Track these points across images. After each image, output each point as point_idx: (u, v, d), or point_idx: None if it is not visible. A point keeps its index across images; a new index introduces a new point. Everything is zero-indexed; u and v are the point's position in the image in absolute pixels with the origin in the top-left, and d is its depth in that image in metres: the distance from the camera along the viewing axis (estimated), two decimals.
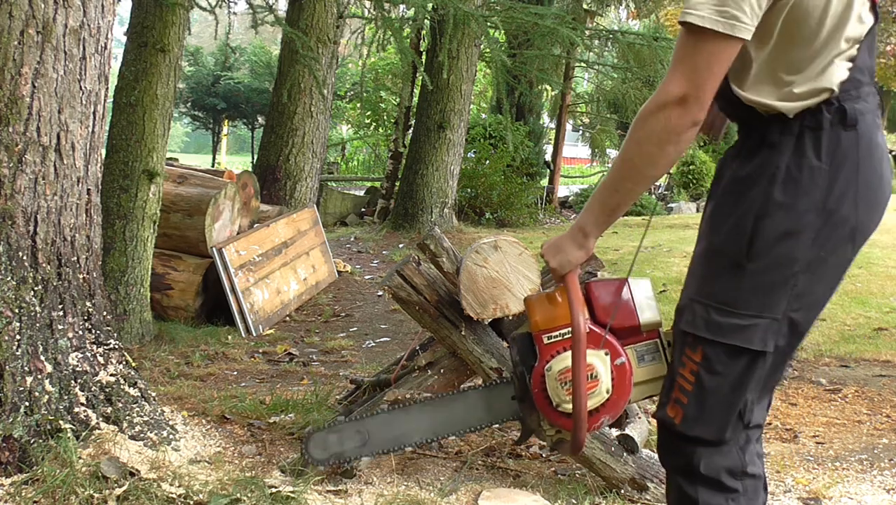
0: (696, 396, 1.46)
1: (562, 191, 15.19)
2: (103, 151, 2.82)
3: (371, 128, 18.00)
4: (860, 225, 1.42)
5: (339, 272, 7.11)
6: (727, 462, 1.47)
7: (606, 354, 1.52)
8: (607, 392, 1.50)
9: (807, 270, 1.40)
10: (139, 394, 2.65)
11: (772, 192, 1.40)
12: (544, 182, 14.37)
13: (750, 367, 1.43)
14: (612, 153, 18.30)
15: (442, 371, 2.68)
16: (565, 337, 1.54)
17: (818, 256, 1.40)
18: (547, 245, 1.58)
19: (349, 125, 22.07)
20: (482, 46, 9.57)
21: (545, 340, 1.56)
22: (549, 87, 13.73)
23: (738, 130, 1.51)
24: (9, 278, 2.36)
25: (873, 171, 1.42)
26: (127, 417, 2.55)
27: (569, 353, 1.49)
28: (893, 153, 1.59)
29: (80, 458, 2.29)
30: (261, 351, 4.88)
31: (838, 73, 1.40)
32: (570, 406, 1.49)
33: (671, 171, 16.43)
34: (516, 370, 1.61)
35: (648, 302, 1.59)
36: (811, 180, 1.38)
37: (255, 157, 13.32)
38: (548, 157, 14.91)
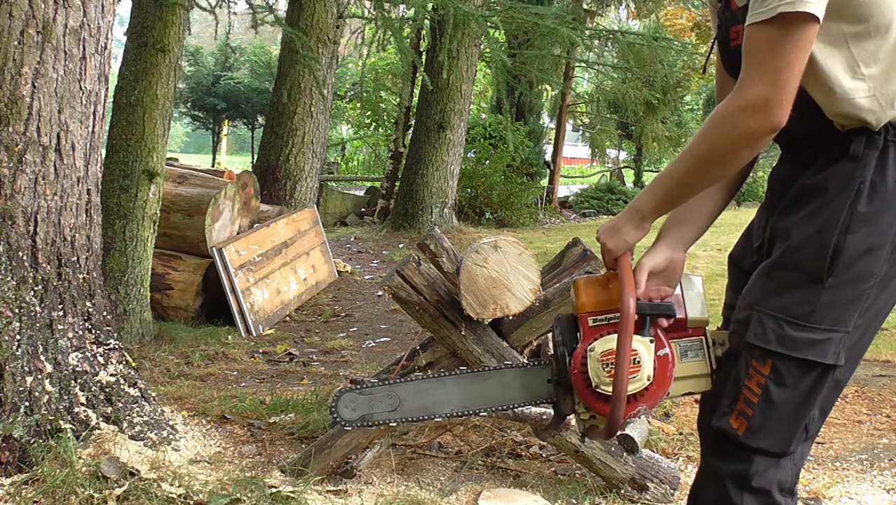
0: (762, 409, 1.44)
1: (562, 191, 15.19)
2: (103, 151, 2.82)
3: (371, 128, 18.00)
4: None
5: (339, 272, 7.10)
6: (780, 476, 1.47)
7: (651, 341, 1.50)
8: (648, 379, 1.48)
9: (879, 284, 1.40)
10: (139, 394, 2.65)
11: (857, 207, 1.37)
12: (544, 182, 14.37)
13: (820, 380, 1.42)
14: (612, 153, 18.30)
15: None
16: (611, 321, 1.52)
17: (891, 270, 1.40)
18: (603, 229, 1.56)
19: (349, 125, 22.07)
20: (482, 46, 9.58)
21: (590, 323, 1.54)
22: (549, 87, 13.73)
23: (802, 146, 1.48)
24: (9, 278, 2.36)
25: None
26: (127, 417, 2.55)
27: (614, 335, 1.48)
28: None
29: (80, 458, 2.29)
30: (261, 351, 4.88)
31: None
32: (609, 388, 1.46)
33: None
34: (557, 350, 1.59)
35: (699, 299, 1.58)
36: (894, 193, 1.37)
37: (255, 157, 13.32)
38: (548, 157, 14.91)
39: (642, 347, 1.49)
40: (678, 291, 1.58)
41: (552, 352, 1.65)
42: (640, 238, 1.53)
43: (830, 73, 1.39)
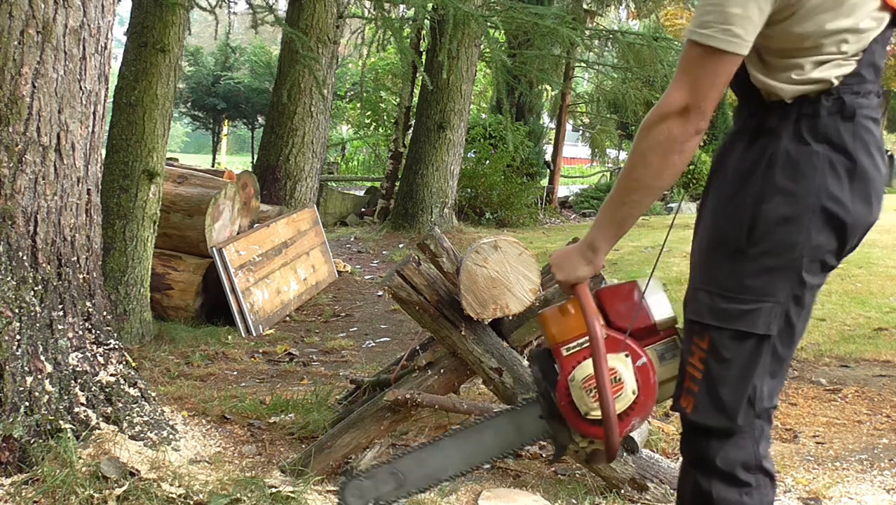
0: (705, 384, 1.47)
1: (562, 191, 15.19)
2: (103, 151, 2.82)
3: (371, 128, 17.99)
4: (856, 214, 1.42)
5: (339, 272, 7.10)
6: (742, 455, 1.48)
7: (627, 356, 1.52)
8: (633, 393, 1.51)
9: (807, 254, 1.42)
10: (139, 394, 2.65)
11: (771, 177, 1.41)
12: (544, 182, 14.37)
13: (756, 351, 1.44)
14: (612, 153, 18.31)
15: (442, 371, 2.68)
16: (583, 346, 1.54)
17: (817, 242, 1.41)
18: (555, 258, 1.59)
19: (349, 125, 22.07)
20: (482, 46, 9.57)
21: (564, 353, 1.56)
22: (549, 87, 13.73)
23: (737, 112, 1.53)
24: (9, 278, 2.36)
25: (871, 166, 1.43)
26: (127, 417, 2.55)
27: (590, 360, 1.50)
28: (890, 153, 1.58)
29: (80, 458, 2.29)
30: (261, 351, 4.88)
31: (841, 66, 1.41)
32: (598, 412, 1.49)
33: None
34: (540, 387, 1.62)
35: (661, 300, 1.60)
36: (810, 164, 1.40)
37: (255, 157, 13.32)
38: (548, 157, 14.91)
39: (619, 363, 1.51)
40: (638, 297, 1.59)
41: (536, 389, 1.66)
42: (593, 273, 1.56)
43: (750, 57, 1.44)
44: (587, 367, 1.51)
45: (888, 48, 1.51)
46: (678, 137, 1.39)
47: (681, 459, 1.60)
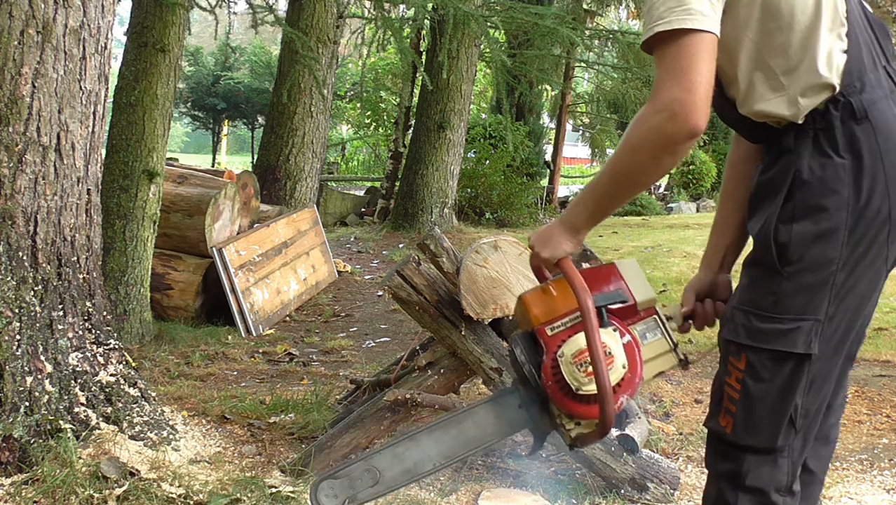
0: (744, 405, 1.45)
1: (562, 191, 15.19)
2: (103, 151, 2.82)
3: (371, 128, 18.00)
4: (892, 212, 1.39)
5: (339, 272, 7.10)
6: (777, 476, 1.46)
7: (615, 330, 1.52)
8: (623, 368, 1.49)
9: (844, 269, 1.39)
10: (139, 394, 2.65)
11: (798, 196, 1.39)
12: (544, 182, 14.37)
13: (796, 371, 1.42)
14: (612, 153, 18.31)
15: (442, 371, 2.68)
16: (568, 325, 1.54)
17: (855, 253, 1.39)
18: (537, 237, 1.58)
19: (349, 125, 22.07)
20: (482, 46, 9.57)
21: (549, 332, 1.55)
22: (549, 87, 13.72)
23: (762, 148, 1.50)
24: (9, 278, 2.36)
25: None
26: (127, 417, 2.55)
27: (579, 335, 1.49)
28: None
29: (80, 458, 2.29)
30: (261, 351, 4.88)
31: (833, 64, 1.39)
32: (591, 386, 1.47)
33: (671, 172, 16.35)
34: (523, 370, 1.59)
35: (640, 280, 1.60)
36: (836, 177, 1.37)
37: (255, 157, 13.32)
38: (548, 157, 14.91)
39: (609, 338, 1.50)
40: (618, 279, 1.59)
41: (515, 376, 1.65)
42: (574, 250, 1.55)
43: (744, 78, 1.43)
44: (577, 341, 1.49)
45: None
46: (672, 137, 1.33)
47: (706, 470, 1.58)
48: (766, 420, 1.44)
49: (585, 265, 1.70)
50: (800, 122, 1.40)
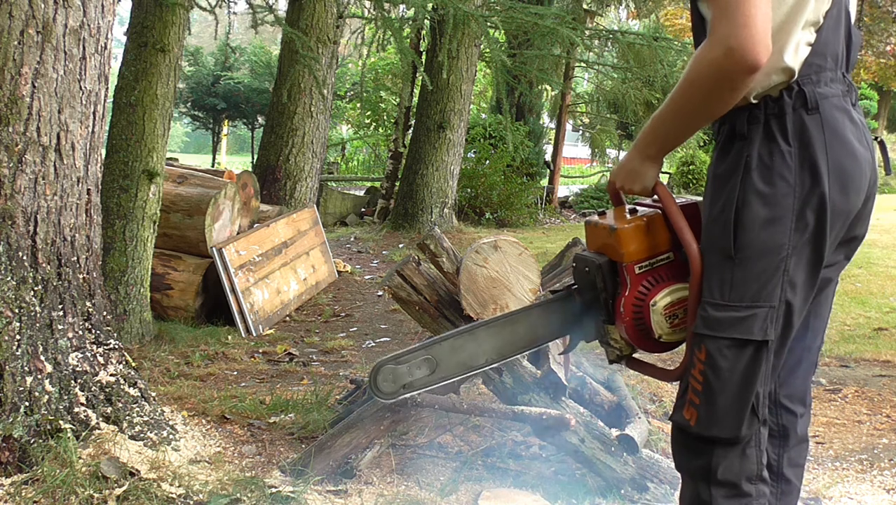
0: (706, 396, 1.45)
1: (562, 191, 15.18)
2: (103, 151, 2.82)
3: (371, 128, 17.99)
4: (837, 207, 1.41)
5: (339, 272, 7.10)
6: (746, 465, 1.46)
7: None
8: None
9: (795, 254, 1.41)
10: (139, 394, 2.65)
11: (748, 182, 1.41)
12: (544, 182, 14.36)
13: (755, 358, 1.42)
14: (612, 153, 18.30)
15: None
16: (654, 266, 1.55)
17: (803, 239, 1.41)
18: (620, 173, 1.58)
19: (349, 125, 22.06)
20: (482, 46, 9.57)
21: (637, 270, 1.55)
22: (549, 87, 13.73)
23: (714, 124, 1.53)
24: (9, 278, 2.36)
25: (845, 154, 1.41)
26: (127, 417, 2.55)
27: (672, 287, 1.52)
28: (879, 139, 1.57)
29: (80, 458, 2.29)
30: (261, 351, 4.88)
31: (798, 54, 1.41)
32: (674, 336, 1.51)
33: (671, 172, 16.26)
34: (600, 297, 1.60)
35: None
36: (783, 164, 1.39)
37: (255, 157, 13.31)
38: (548, 157, 14.90)
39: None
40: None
41: (582, 291, 1.65)
42: (659, 172, 1.56)
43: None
44: (672, 294, 1.52)
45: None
46: (730, 73, 1.31)
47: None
48: (729, 409, 1.44)
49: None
50: (752, 100, 1.42)
